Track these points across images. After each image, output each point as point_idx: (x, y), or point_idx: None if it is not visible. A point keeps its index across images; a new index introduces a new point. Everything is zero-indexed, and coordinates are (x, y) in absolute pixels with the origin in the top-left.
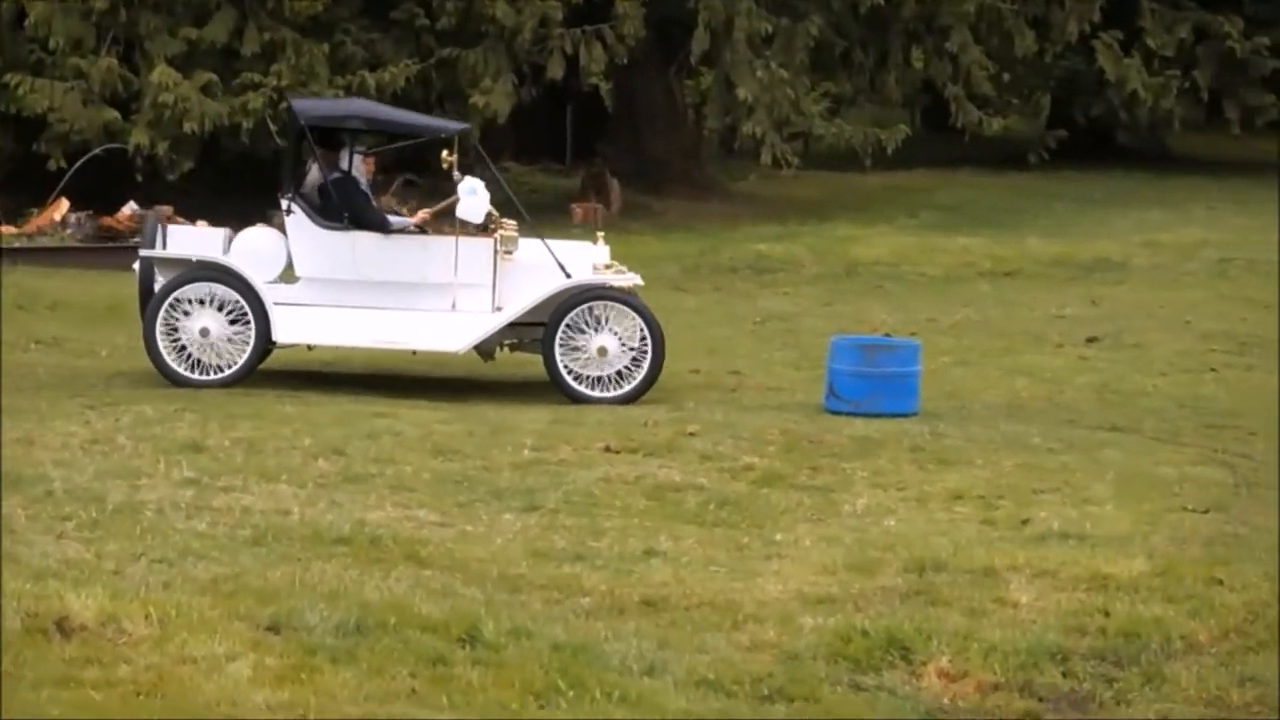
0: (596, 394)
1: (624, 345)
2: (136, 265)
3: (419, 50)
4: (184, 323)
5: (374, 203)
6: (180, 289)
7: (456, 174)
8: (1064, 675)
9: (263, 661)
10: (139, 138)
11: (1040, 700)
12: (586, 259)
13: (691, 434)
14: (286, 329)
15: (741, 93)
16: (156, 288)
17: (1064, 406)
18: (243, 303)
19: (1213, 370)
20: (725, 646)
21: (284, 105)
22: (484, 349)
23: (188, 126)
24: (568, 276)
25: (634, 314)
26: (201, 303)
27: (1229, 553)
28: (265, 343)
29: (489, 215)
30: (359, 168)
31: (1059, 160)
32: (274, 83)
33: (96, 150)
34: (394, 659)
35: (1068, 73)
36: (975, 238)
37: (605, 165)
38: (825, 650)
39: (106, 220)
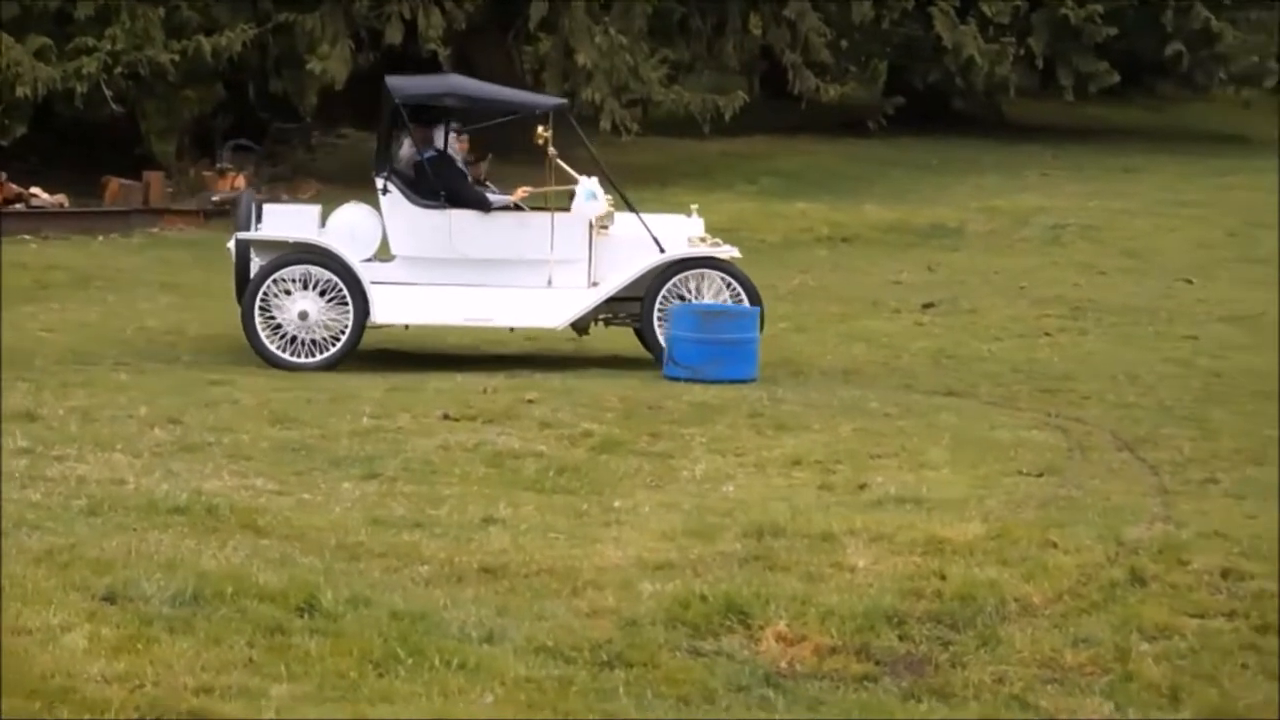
0: None
1: None
2: (231, 245)
3: (255, 14)
4: (282, 305)
5: (470, 180)
6: (277, 271)
7: (552, 149)
8: (900, 638)
9: (98, 632)
10: None
11: (877, 663)
12: (682, 232)
13: (530, 401)
14: (384, 309)
15: (580, 59)
16: (253, 269)
17: (901, 371)
18: (339, 283)
19: (1047, 335)
20: (564, 613)
21: (119, 71)
22: (579, 324)
23: (20, 91)
24: (662, 250)
25: (733, 284)
26: (298, 283)
27: (1063, 516)
28: (364, 323)
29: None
30: (453, 145)
31: (897, 127)
32: (108, 47)
33: None
34: (231, 628)
35: (905, 39)
36: (814, 204)
37: None
38: (664, 616)
39: None
